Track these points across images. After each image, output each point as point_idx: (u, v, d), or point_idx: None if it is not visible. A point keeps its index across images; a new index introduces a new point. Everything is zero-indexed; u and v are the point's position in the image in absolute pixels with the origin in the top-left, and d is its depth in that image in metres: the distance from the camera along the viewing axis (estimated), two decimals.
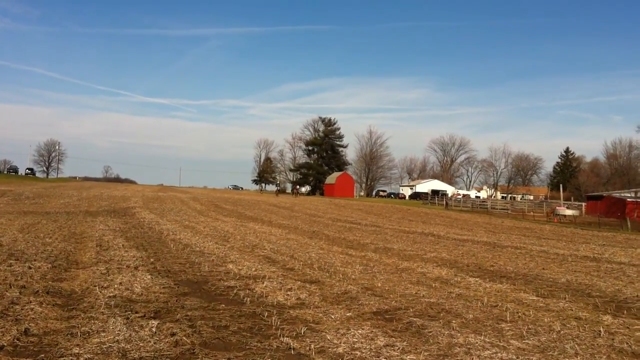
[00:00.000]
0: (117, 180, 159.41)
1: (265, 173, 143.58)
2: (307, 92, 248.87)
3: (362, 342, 6.56)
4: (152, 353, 5.89)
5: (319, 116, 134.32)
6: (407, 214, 49.34)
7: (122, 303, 8.14)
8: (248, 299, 8.99)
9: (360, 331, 7.07)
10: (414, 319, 7.92)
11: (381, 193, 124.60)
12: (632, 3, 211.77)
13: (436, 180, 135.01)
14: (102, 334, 6.42)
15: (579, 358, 6.30)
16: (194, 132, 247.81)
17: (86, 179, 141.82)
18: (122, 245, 15.34)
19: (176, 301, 8.54)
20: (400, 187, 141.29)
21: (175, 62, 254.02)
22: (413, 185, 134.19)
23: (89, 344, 6.03)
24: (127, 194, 51.51)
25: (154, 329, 6.70)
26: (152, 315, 7.52)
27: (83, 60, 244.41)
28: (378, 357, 6.07)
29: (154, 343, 6.20)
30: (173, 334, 6.54)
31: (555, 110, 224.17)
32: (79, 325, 6.73)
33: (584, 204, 74.65)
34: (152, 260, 12.83)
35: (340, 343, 6.52)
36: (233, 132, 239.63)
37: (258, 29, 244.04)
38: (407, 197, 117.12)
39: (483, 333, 7.25)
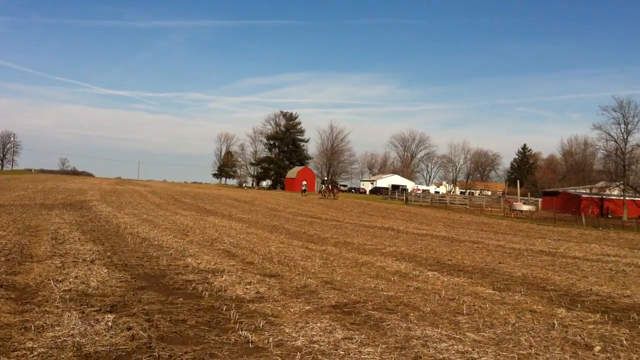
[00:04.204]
0: (74, 173, 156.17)
1: (225, 167, 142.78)
2: (270, 87, 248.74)
3: (320, 335, 6.59)
4: (108, 347, 5.81)
5: (281, 110, 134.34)
6: (368, 208, 49.60)
7: (77, 297, 8.00)
8: (207, 292, 8.93)
9: (319, 324, 7.09)
10: (373, 312, 7.99)
11: (342, 188, 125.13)
12: (590, 3, 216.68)
13: (396, 176, 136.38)
14: (57, 328, 6.30)
15: (533, 350, 6.43)
16: (154, 125, 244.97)
17: (42, 171, 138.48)
18: (78, 238, 15.04)
19: (133, 295, 8.42)
20: (361, 182, 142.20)
21: (138, 54, 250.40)
22: (374, 180, 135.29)
23: (43, 338, 5.92)
24: (84, 187, 50.51)
25: (109, 323, 6.60)
26: (108, 309, 7.41)
27: (41, 50, 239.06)
28: (336, 349, 6.10)
29: (110, 337, 6.11)
30: (129, 328, 6.45)
31: (514, 107, 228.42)
32: (33, 319, 6.59)
33: (540, 199, 76.39)
34: (109, 254, 12.62)
35: (298, 336, 6.53)
36: (194, 125, 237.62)
37: (222, 22, 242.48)
38: (367, 192, 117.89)
39: (440, 326, 7.35)
